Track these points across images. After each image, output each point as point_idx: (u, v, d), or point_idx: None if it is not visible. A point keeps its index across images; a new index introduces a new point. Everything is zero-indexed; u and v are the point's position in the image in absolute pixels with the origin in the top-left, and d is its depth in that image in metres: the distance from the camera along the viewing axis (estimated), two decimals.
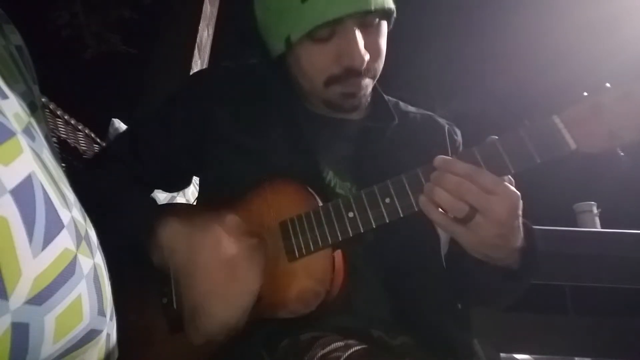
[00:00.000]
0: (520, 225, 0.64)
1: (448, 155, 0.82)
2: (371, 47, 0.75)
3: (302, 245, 0.68)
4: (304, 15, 0.72)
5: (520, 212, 0.62)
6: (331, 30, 0.73)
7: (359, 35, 0.72)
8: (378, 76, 0.81)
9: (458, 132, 0.93)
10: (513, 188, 0.60)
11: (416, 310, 0.74)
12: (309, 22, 0.71)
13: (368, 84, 0.79)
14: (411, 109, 0.94)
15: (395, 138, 0.84)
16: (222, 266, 0.66)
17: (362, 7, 0.71)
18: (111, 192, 0.80)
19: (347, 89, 0.77)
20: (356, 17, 0.72)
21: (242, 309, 0.65)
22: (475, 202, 0.58)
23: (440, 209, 0.61)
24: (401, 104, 0.94)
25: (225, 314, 0.64)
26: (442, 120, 0.94)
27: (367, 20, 0.74)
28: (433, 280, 0.77)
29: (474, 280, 0.75)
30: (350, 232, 0.67)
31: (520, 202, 0.61)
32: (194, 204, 1.02)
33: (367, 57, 0.73)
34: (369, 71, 0.77)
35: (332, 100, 0.79)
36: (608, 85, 0.60)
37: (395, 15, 0.80)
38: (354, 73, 0.75)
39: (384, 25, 0.79)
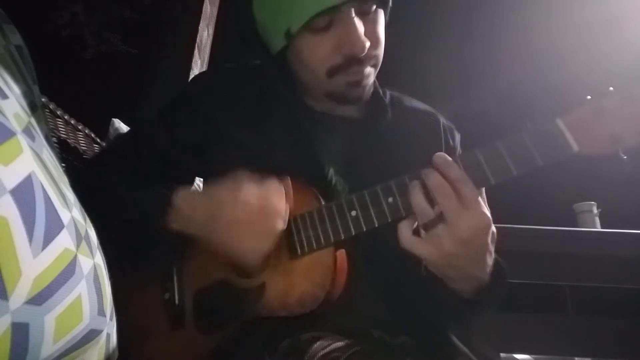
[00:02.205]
0: (489, 260, 0.64)
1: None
2: (370, 35, 0.75)
3: (305, 243, 0.68)
4: (302, 5, 0.72)
5: (489, 242, 0.61)
6: (329, 19, 0.73)
7: (357, 22, 0.73)
8: (379, 65, 0.81)
9: (457, 135, 0.92)
10: (487, 213, 0.60)
11: (415, 311, 0.74)
12: (307, 12, 0.72)
13: (370, 72, 0.79)
14: (415, 104, 0.93)
15: (390, 134, 0.84)
16: (248, 203, 0.66)
17: None
18: (115, 188, 0.81)
19: (351, 78, 0.77)
20: (353, 5, 0.73)
21: (275, 237, 0.66)
22: (446, 209, 0.58)
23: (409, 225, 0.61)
24: (406, 98, 0.93)
25: (260, 245, 0.66)
26: (443, 120, 0.93)
27: (364, 7, 0.74)
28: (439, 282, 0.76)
29: (428, 295, 0.73)
30: (352, 230, 0.67)
31: (491, 230, 0.61)
32: None
33: (367, 43, 0.73)
34: (370, 59, 0.77)
35: (337, 92, 0.79)
36: (611, 89, 0.60)
37: (390, 4, 0.81)
38: (355, 61, 0.75)
39: (381, 14, 0.79)
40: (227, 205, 0.67)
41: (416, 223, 0.62)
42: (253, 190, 0.67)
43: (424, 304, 0.74)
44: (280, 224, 0.67)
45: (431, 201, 0.59)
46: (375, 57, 0.79)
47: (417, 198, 0.60)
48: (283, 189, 0.68)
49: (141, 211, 0.74)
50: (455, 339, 0.74)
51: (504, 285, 0.68)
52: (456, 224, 0.58)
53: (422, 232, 0.61)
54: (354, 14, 0.73)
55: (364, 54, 0.74)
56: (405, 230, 0.61)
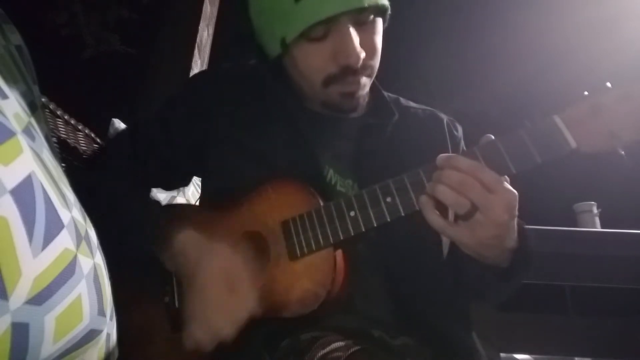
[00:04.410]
0: (515, 225, 0.64)
1: (448, 150, 0.82)
2: (366, 45, 0.74)
3: (304, 244, 0.68)
4: (298, 15, 0.71)
5: (516, 212, 0.62)
6: (326, 29, 0.73)
7: (353, 32, 0.72)
8: (375, 74, 0.81)
9: (459, 127, 0.93)
10: (511, 188, 0.60)
11: (417, 311, 0.74)
12: (302, 22, 0.71)
13: (366, 82, 0.79)
14: (412, 104, 0.94)
15: (395, 134, 0.83)
16: (225, 280, 0.67)
17: (355, 5, 0.71)
18: (113, 192, 0.81)
19: (345, 88, 0.77)
20: (350, 15, 0.72)
21: (237, 324, 0.65)
22: (477, 199, 0.58)
23: (437, 211, 0.61)
24: (401, 99, 0.94)
25: (220, 325, 0.65)
26: (442, 115, 0.93)
27: (361, 17, 0.74)
28: (434, 281, 0.76)
29: (464, 276, 0.76)
30: (351, 231, 0.67)
31: (517, 202, 0.61)
32: (197, 204, 1.02)
33: (362, 54, 0.73)
34: (365, 69, 0.76)
35: (331, 101, 0.79)
36: (609, 84, 0.60)
37: (389, 12, 0.80)
38: (350, 71, 0.74)
39: (379, 22, 0.78)
40: (205, 275, 0.68)
41: (451, 213, 0.62)
42: (231, 271, 0.68)
43: (427, 303, 0.74)
44: (243, 315, 0.66)
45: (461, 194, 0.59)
46: (371, 67, 0.78)
47: (449, 194, 0.59)
48: (245, 315, 0.67)
49: (135, 232, 0.76)
50: (455, 340, 0.74)
51: (530, 242, 0.69)
52: (490, 210, 0.58)
53: (459, 220, 0.61)
54: (350, 24, 0.72)
55: (359, 64, 0.73)
56: (433, 215, 0.61)
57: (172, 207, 0.95)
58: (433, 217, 0.61)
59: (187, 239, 0.73)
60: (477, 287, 0.77)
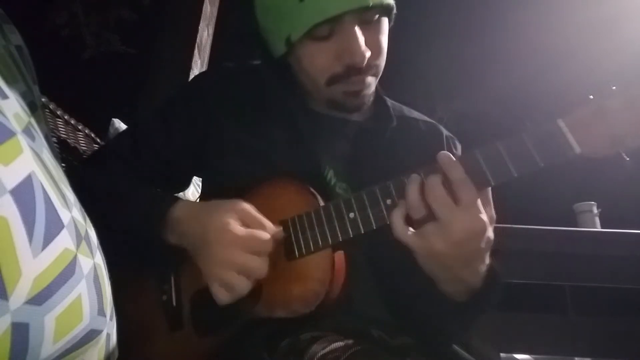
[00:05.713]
0: (481, 266, 0.63)
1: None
2: (372, 44, 0.74)
3: (302, 245, 0.68)
4: (303, 14, 0.72)
5: (482, 248, 0.60)
6: (331, 28, 0.73)
7: (358, 32, 0.72)
8: (380, 74, 0.81)
9: (458, 145, 0.92)
10: (484, 218, 0.59)
11: (416, 311, 0.74)
12: (307, 21, 0.71)
13: (371, 82, 0.79)
14: (415, 115, 0.94)
15: (394, 140, 0.83)
16: (229, 253, 0.65)
17: (360, 3, 0.71)
18: (113, 187, 0.80)
19: (350, 88, 0.77)
20: (355, 14, 0.72)
21: (240, 291, 0.64)
22: (437, 208, 0.58)
23: (399, 214, 0.61)
24: (405, 109, 0.94)
25: (227, 289, 0.64)
26: (443, 130, 0.93)
27: (366, 16, 0.74)
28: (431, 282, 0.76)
29: (419, 296, 0.73)
30: (350, 232, 0.66)
31: (486, 236, 0.60)
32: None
33: (368, 53, 0.73)
34: (370, 68, 0.76)
35: (335, 100, 0.79)
36: (614, 87, 0.60)
37: (395, 11, 0.80)
38: (355, 70, 0.75)
39: (385, 21, 0.78)
40: (211, 243, 0.66)
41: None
42: (239, 238, 0.64)
43: (422, 305, 0.74)
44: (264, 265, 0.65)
45: (425, 199, 0.59)
46: (376, 66, 0.78)
47: (412, 194, 0.59)
48: (270, 243, 0.66)
49: (137, 221, 0.74)
50: (454, 342, 0.74)
51: (497, 293, 0.67)
52: (449, 225, 0.57)
53: (415, 226, 0.61)
54: (355, 24, 0.72)
55: (364, 64, 0.73)
56: (397, 219, 0.61)
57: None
58: (393, 218, 0.61)
59: (190, 207, 0.71)
60: (426, 314, 0.73)
